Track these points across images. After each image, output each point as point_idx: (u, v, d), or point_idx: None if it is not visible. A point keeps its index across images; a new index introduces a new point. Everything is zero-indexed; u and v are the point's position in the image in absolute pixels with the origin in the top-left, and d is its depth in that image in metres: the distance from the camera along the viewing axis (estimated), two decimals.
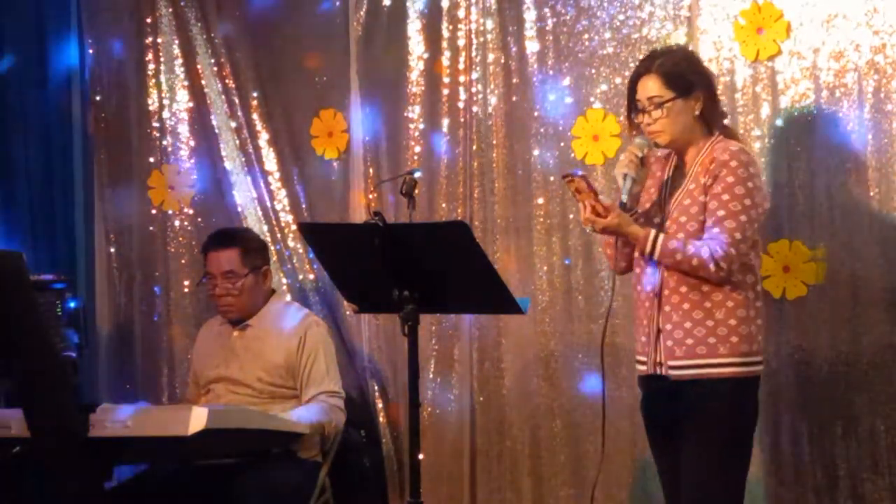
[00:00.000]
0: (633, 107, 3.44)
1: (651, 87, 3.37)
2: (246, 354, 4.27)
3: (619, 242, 3.46)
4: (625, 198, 3.34)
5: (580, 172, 3.36)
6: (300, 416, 4.04)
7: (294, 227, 4.93)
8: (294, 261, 4.93)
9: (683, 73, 3.38)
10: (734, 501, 3.37)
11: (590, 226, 3.34)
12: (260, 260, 4.33)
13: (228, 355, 4.29)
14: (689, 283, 3.31)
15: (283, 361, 4.22)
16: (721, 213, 3.28)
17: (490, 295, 3.33)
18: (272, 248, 4.77)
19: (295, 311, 4.39)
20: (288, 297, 4.80)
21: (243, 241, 4.35)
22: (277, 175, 5.00)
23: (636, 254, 3.44)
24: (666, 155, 3.49)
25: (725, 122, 3.53)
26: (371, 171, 4.81)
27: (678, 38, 4.21)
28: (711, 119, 3.42)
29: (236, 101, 5.03)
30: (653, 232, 3.32)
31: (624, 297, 3.96)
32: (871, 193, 3.95)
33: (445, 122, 4.65)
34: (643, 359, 3.44)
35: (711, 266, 3.25)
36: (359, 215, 4.79)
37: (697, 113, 3.39)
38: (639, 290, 3.46)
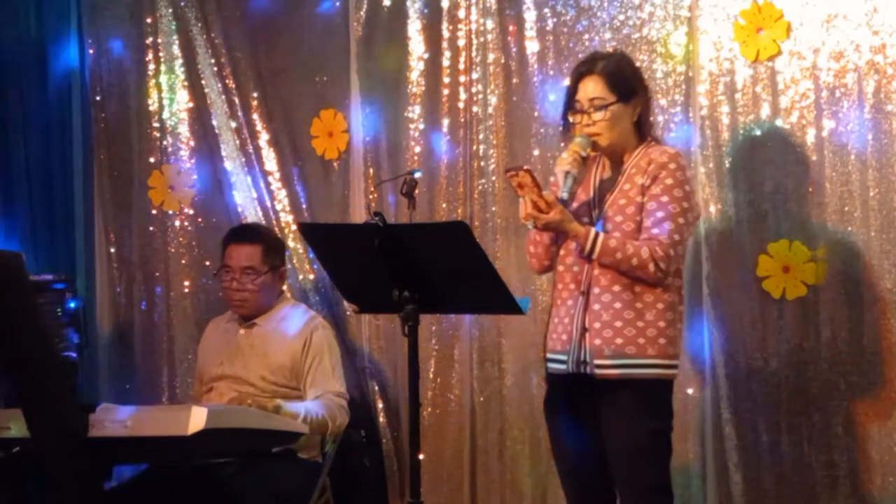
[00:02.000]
0: (569, 106, 3.48)
1: (594, 88, 3.43)
2: (250, 353, 4.27)
3: (547, 241, 3.49)
4: (565, 195, 3.37)
5: (526, 167, 3.39)
6: (308, 408, 4.05)
7: (294, 227, 4.93)
8: (294, 261, 4.93)
9: (627, 78, 3.45)
10: (665, 492, 3.44)
11: (531, 221, 3.36)
12: (279, 260, 4.35)
13: (233, 353, 4.30)
14: (622, 283, 3.35)
15: (287, 362, 4.22)
16: (660, 214, 3.33)
17: (490, 295, 3.33)
18: None
19: (302, 312, 4.40)
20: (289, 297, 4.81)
21: (267, 238, 4.38)
22: (277, 175, 5.00)
23: (561, 252, 3.48)
24: (593, 158, 3.53)
25: (670, 132, 3.63)
26: (371, 171, 4.81)
27: (678, 38, 4.21)
28: (646, 126, 3.50)
29: (236, 101, 5.04)
30: (593, 230, 3.36)
31: None
32: (871, 193, 3.94)
33: (445, 122, 4.65)
34: (562, 357, 3.44)
35: (651, 266, 3.30)
36: (359, 215, 4.80)
37: (635, 119, 3.46)
38: (560, 288, 3.49)
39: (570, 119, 3.49)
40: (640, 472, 3.40)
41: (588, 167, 3.52)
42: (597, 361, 3.37)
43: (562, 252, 3.50)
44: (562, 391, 3.51)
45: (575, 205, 3.48)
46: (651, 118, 3.58)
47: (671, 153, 3.42)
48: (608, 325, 3.36)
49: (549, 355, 3.51)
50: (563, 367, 3.45)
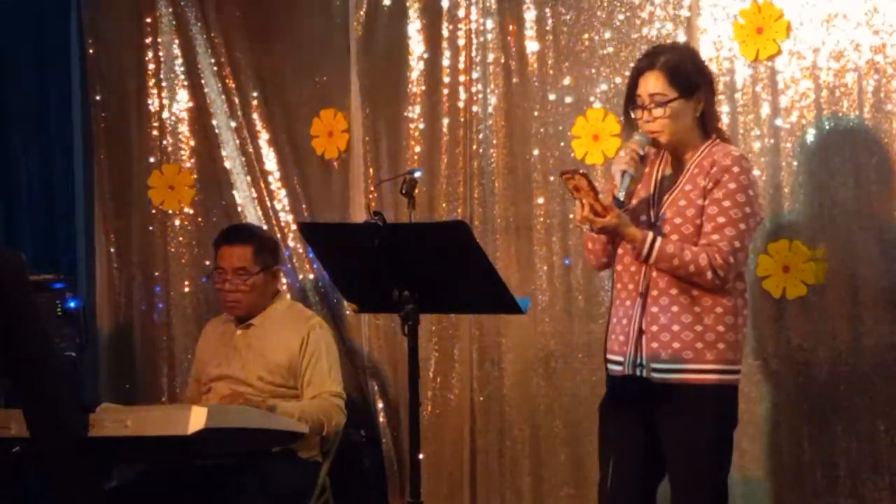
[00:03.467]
0: (631, 101, 3.39)
1: (654, 84, 3.33)
2: (248, 353, 4.27)
3: (605, 238, 3.42)
4: (622, 195, 3.29)
5: (582, 170, 3.32)
6: (303, 408, 4.05)
7: (294, 227, 4.93)
8: (294, 261, 4.93)
9: (688, 73, 3.34)
10: (722, 499, 3.37)
11: (587, 224, 3.29)
12: (271, 259, 4.35)
13: (231, 353, 4.30)
14: (679, 286, 3.29)
15: (285, 361, 4.22)
16: (721, 219, 3.26)
17: (490, 295, 3.32)
18: None
19: (298, 311, 4.40)
20: (288, 297, 4.80)
21: (258, 238, 4.38)
22: (277, 175, 5.00)
23: (619, 251, 3.42)
24: (656, 153, 3.46)
25: (721, 125, 3.53)
26: (371, 171, 4.81)
27: (678, 38, 4.21)
28: (710, 121, 3.40)
29: (236, 101, 5.04)
30: (650, 235, 3.28)
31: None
32: (871, 193, 3.94)
33: (445, 122, 4.65)
34: (619, 359, 3.39)
35: (709, 274, 3.23)
36: (359, 215, 4.80)
37: (698, 114, 3.37)
38: (619, 288, 3.42)
39: (632, 115, 3.40)
40: (696, 478, 3.33)
41: (651, 163, 3.45)
42: (653, 365, 3.30)
43: (620, 251, 3.42)
44: (620, 392, 3.43)
45: (634, 201, 3.39)
46: (716, 112, 3.47)
47: (735, 156, 3.31)
48: (665, 328, 3.29)
49: (608, 356, 3.44)
50: (620, 368, 3.39)
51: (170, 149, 5.17)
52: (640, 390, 3.34)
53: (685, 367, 3.29)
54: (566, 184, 3.30)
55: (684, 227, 3.30)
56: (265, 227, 4.91)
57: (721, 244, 3.24)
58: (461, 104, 4.62)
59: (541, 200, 4.47)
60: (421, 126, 4.70)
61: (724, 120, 4.12)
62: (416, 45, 4.71)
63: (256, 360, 4.25)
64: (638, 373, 3.34)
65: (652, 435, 3.37)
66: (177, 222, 5.16)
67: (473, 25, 4.59)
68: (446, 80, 4.64)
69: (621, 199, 3.30)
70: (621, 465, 3.42)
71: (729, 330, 3.30)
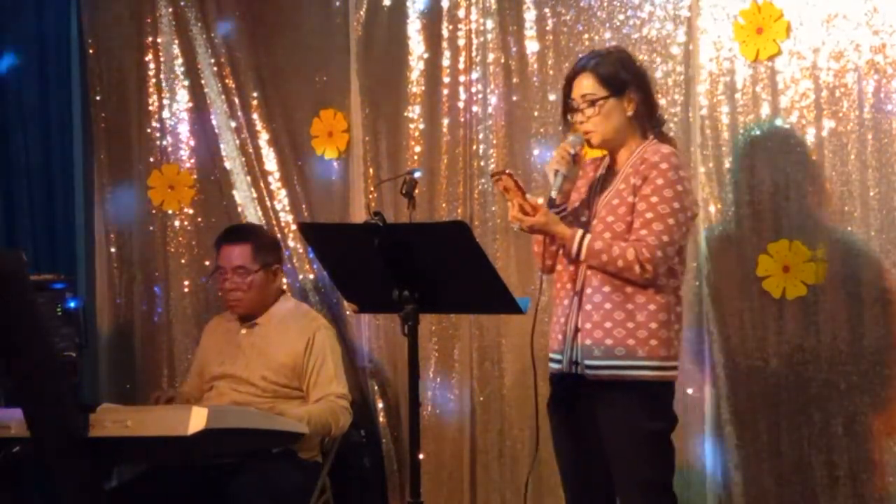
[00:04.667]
0: (568, 106, 3.47)
1: (585, 84, 3.41)
2: (252, 352, 4.27)
3: (546, 241, 3.47)
4: (554, 194, 3.36)
5: (508, 171, 3.38)
6: (311, 412, 4.05)
7: (294, 227, 4.93)
8: (294, 261, 4.93)
9: (617, 73, 3.41)
10: (664, 492, 3.40)
11: (517, 224, 3.36)
12: (271, 258, 4.35)
13: (234, 352, 4.30)
14: (612, 284, 3.33)
15: (289, 362, 4.22)
16: (649, 215, 3.30)
17: (490, 295, 3.32)
18: None
19: (304, 312, 4.40)
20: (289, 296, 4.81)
21: (257, 237, 4.38)
22: (277, 175, 5.00)
23: (560, 252, 3.47)
24: (602, 155, 3.53)
25: (669, 131, 3.58)
26: (371, 171, 4.81)
27: (678, 37, 4.21)
28: (645, 122, 3.45)
29: (236, 101, 5.04)
30: (579, 232, 3.35)
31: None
32: (871, 193, 3.94)
33: (445, 122, 4.65)
34: (558, 357, 3.45)
35: (637, 268, 3.27)
36: (359, 215, 4.80)
37: (630, 114, 3.42)
38: (558, 287, 3.49)
39: (570, 119, 3.48)
40: (635, 473, 3.37)
41: (595, 165, 3.52)
42: (587, 362, 3.36)
43: (560, 252, 3.49)
44: (561, 390, 3.51)
45: (577, 203, 3.48)
46: (654, 113, 3.50)
47: (664, 152, 3.36)
48: (598, 325, 3.35)
49: (550, 354, 3.51)
50: (559, 366, 3.46)
51: (169, 149, 5.17)
52: (576, 387, 3.40)
53: (617, 364, 3.33)
54: (496, 185, 3.38)
55: (616, 225, 3.36)
56: (265, 227, 4.91)
57: (648, 239, 3.29)
58: (461, 104, 4.62)
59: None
60: (421, 126, 4.70)
61: (724, 120, 4.13)
62: (416, 45, 4.71)
63: (260, 359, 4.25)
64: (573, 370, 3.39)
65: (596, 430, 3.41)
66: (177, 222, 5.16)
67: (473, 25, 4.59)
68: (446, 80, 4.64)
69: (553, 196, 3.36)
70: (576, 464, 3.50)
71: (662, 327, 3.33)
